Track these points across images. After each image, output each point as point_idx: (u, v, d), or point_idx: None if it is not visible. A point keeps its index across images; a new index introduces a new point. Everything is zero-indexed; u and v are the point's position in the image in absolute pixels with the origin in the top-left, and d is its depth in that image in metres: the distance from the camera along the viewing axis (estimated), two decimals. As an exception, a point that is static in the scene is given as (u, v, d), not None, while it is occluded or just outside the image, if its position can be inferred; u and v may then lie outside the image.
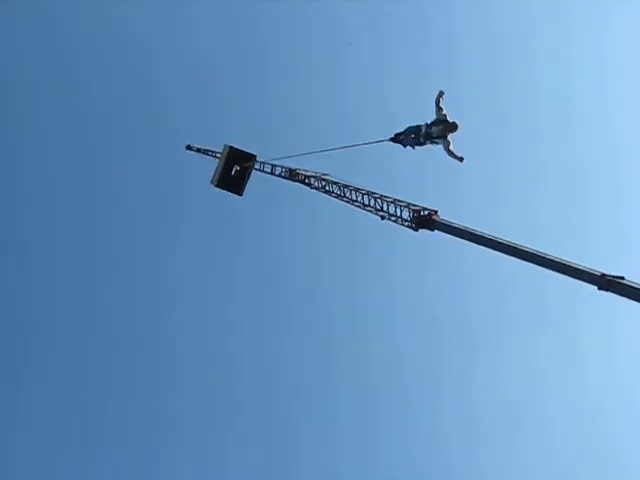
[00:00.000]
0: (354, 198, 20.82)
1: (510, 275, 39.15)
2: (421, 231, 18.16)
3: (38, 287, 50.10)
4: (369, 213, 20.15)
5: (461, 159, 17.51)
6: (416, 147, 18.53)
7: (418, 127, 18.11)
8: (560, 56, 50.88)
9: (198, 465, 45.93)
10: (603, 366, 46.23)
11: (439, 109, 17.42)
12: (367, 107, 52.78)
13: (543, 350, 47.00)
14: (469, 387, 47.24)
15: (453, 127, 17.36)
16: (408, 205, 18.70)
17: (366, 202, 20.26)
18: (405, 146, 19.00)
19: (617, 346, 45.80)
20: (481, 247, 16.72)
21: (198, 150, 32.78)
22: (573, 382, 47.61)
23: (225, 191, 28.64)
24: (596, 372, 46.10)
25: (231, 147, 28.32)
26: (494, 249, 16.33)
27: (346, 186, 21.35)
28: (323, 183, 22.76)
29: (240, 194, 28.51)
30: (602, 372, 46.13)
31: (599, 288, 14.50)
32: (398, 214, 18.89)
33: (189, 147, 33.25)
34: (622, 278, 14.33)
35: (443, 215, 17.87)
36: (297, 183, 24.64)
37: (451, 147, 17.60)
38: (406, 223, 18.55)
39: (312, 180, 23.60)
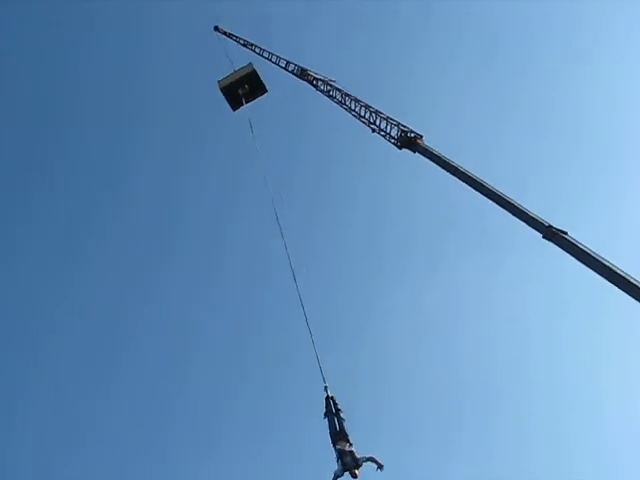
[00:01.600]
0: (352, 107, 21.81)
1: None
2: (404, 150, 19.34)
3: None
4: (362, 124, 21.22)
5: None
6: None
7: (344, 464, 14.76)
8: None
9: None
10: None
11: (365, 462, 14.74)
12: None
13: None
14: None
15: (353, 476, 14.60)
16: (398, 124, 19.77)
17: (362, 113, 21.28)
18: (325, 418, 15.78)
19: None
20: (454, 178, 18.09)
21: (224, 34, 32.18)
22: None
23: (224, 98, 28.92)
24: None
25: (254, 70, 28.62)
26: (465, 182, 17.62)
27: (347, 95, 22.30)
28: (328, 88, 23.65)
29: (234, 109, 28.94)
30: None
31: (543, 237, 15.88)
32: (388, 130, 19.99)
33: (217, 28, 32.58)
34: (565, 233, 15.69)
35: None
36: (305, 82, 25.46)
37: None
38: (392, 140, 19.67)
39: (319, 83, 24.44)
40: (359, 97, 21.99)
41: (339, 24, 54.71)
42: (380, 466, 14.51)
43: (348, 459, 14.58)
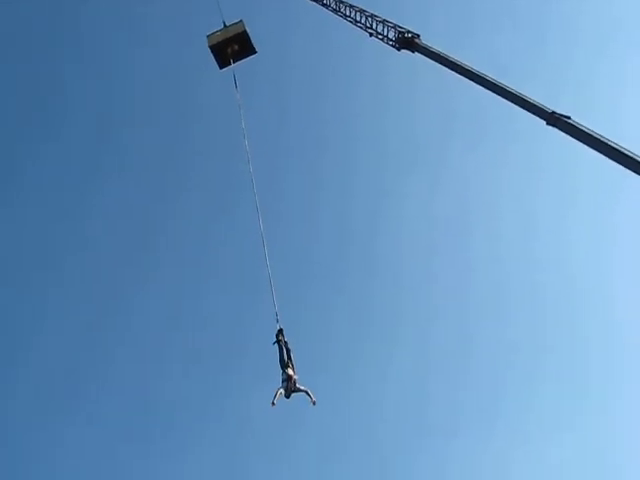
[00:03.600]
0: (347, 14, 21.31)
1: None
2: (403, 52, 18.97)
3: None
4: (359, 29, 20.78)
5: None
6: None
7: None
8: None
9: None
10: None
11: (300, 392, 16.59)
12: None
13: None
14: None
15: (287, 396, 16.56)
16: (395, 26, 19.32)
17: (358, 19, 20.81)
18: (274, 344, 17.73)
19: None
20: (454, 74, 17.77)
21: None
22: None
23: (211, 55, 27.28)
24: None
25: (244, 31, 26.94)
26: (465, 76, 17.30)
27: (341, 2, 21.76)
28: (322, -4, 23.09)
29: (221, 67, 27.34)
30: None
31: (547, 123, 15.69)
32: (385, 33, 19.57)
33: None
34: (568, 117, 15.49)
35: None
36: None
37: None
38: (390, 42, 19.27)
39: (313, -7, 23.85)
40: (353, 3, 21.50)
41: None
42: (313, 402, 16.33)
43: (291, 384, 16.46)
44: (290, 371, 16.77)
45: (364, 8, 20.69)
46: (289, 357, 17.23)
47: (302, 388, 16.50)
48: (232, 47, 26.89)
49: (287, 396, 16.35)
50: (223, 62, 27.17)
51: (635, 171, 13.84)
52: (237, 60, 27.07)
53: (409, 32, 18.85)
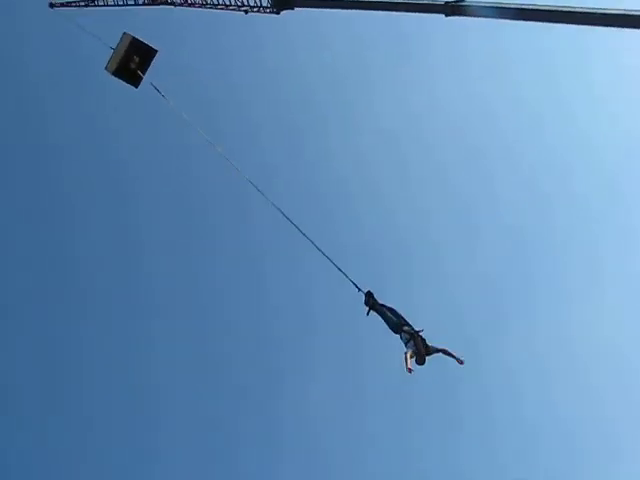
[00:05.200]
0: (215, 3, 20.70)
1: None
2: (283, 13, 18.44)
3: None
4: (233, 12, 20.20)
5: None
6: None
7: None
8: None
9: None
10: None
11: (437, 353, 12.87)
12: None
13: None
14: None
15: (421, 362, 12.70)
16: (263, -9, 18.87)
17: (227, 3, 20.23)
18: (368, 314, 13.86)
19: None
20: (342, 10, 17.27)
21: (62, 5, 28.80)
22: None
23: (120, 80, 25.49)
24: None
25: (133, 38, 24.94)
26: (355, 8, 16.84)
27: (204, -7, 21.17)
28: (183, -3, 22.44)
29: (136, 86, 25.50)
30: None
31: (446, 15, 15.23)
32: (259, 4, 19.03)
33: (52, 5, 28.95)
34: (463, 0, 15.05)
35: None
36: (161, 6, 24.14)
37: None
38: (268, 10, 18.75)
39: (173, -3, 23.19)
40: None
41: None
42: (460, 361, 12.88)
43: (418, 343, 12.70)
44: (408, 328, 13.02)
45: (227, -11, 20.14)
46: (397, 316, 13.46)
47: (438, 347, 12.86)
48: (133, 61, 25.20)
49: (421, 362, 12.55)
50: (135, 79, 25.55)
51: (550, 20, 13.50)
52: (145, 70, 25.39)
53: (279, -10, 18.37)
